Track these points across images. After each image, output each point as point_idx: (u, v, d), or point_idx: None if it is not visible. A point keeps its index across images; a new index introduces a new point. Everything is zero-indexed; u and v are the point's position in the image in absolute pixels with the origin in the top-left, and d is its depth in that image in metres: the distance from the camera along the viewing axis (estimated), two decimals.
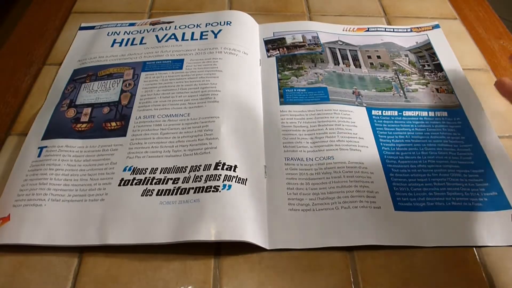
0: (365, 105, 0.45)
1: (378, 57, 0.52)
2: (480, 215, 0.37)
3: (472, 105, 0.46)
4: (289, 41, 0.53)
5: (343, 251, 0.35)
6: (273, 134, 0.42)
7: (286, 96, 0.46)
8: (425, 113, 0.45)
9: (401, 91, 0.47)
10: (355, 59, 0.51)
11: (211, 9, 0.57)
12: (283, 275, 0.33)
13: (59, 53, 0.52)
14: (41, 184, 0.37)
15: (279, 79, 0.48)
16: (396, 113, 0.45)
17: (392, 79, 0.49)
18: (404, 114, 0.45)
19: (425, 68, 0.50)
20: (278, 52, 0.51)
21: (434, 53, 0.52)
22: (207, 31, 0.52)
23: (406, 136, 0.43)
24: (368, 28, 0.55)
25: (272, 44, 0.52)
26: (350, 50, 0.52)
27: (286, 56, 0.51)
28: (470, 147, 0.42)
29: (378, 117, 0.44)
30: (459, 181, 0.39)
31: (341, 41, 0.53)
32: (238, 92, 0.45)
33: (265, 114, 0.44)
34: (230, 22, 0.53)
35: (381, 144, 0.42)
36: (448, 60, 0.51)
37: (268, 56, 0.51)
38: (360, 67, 0.50)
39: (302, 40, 0.53)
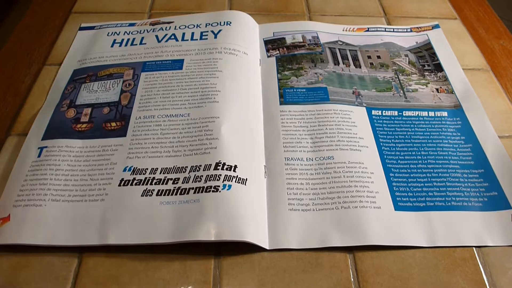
0: (365, 105, 0.45)
1: (378, 57, 0.52)
2: (480, 215, 0.37)
3: (472, 105, 0.46)
4: (289, 41, 0.53)
5: (343, 251, 0.35)
6: (273, 134, 0.42)
7: (286, 96, 0.46)
8: (425, 113, 0.45)
9: (401, 91, 0.47)
10: (355, 59, 0.51)
11: (211, 9, 0.57)
12: (283, 275, 0.33)
13: (59, 53, 0.52)
14: (41, 185, 0.37)
15: (279, 79, 0.48)
16: (396, 113, 0.45)
17: (392, 79, 0.49)
18: (404, 114, 0.45)
19: (425, 68, 0.50)
20: (278, 52, 0.51)
21: (434, 53, 0.52)
22: (207, 31, 0.52)
23: (406, 136, 0.42)
24: (368, 28, 0.55)
25: (272, 44, 0.52)
26: (350, 50, 0.52)
27: (286, 56, 0.51)
28: (470, 147, 0.42)
29: (378, 117, 0.44)
30: (459, 181, 0.39)
31: (341, 41, 0.53)
32: (238, 92, 0.45)
33: (265, 114, 0.44)
34: (230, 22, 0.53)
35: (381, 144, 0.42)
36: (448, 60, 0.51)
37: (268, 56, 0.51)
38: (360, 67, 0.50)
39: (302, 40, 0.53)
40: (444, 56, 0.51)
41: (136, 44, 0.51)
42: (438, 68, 0.50)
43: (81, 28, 0.55)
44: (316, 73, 0.49)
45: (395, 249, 0.35)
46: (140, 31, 0.53)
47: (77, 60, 0.50)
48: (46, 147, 0.40)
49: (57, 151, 0.40)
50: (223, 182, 0.36)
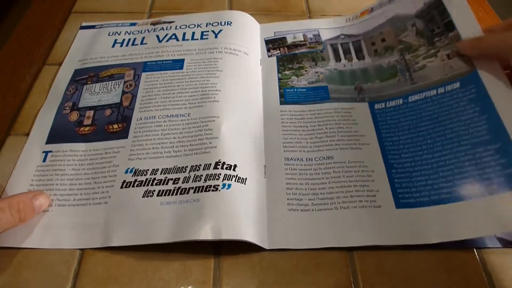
0: (367, 99, 0.44)
1: (383, 40, 0.49)
2: (496, 198, 0.33)
3: (488, 65, 0.40)
4: (290, 40, 0.52)
5: (343, 251, 0.35)
6: (273, 134, 0.42)
7: (287, 96, 0.46)
8: (433, 92, 0.41)
9: (407, 74, 0.44)
10: (358, 50, 0.50)
11: (211, 9, 0.57)
12: (283, 275, 0.33)
13: (59, 53, 0.51)
14: (48, 190, 0.38)
15: (279, 79, 0.48)
16: (400, 101, 0.43)
17: (397, 61, 0.46)
18: (409, 100, 0.42)
19: (434, 33, 0.45)
20: (278, 51, 0.51)
21: (445, 9, 0.45)
22: (208, 31, 0.52)
23: (411, 126, 0.40)
24: (372, 9, 0.52)
25: (273, 44, 0.52)
26: (352, 42, 0.51)
27: (287, 55, 0.51)
28: (485, 118, 0.37)
29: (381, 111, 0.43)
30: (470, 164, 0.36)
31: (343, 34, 0.52)
32: (238, 91, 0.45)
33: (265, 113, 0.44)
34: (231, 22, 0.53)
35: (384, 139, 0.41)
36: (461, 12, 0.44)
37: (269, 56, 0.51)
38: (364, 58, 0.49)
39: (303, 39, 0.52)
40: (456, 10, 0.44)
41: (137, 44, 0.51)
42: (450, 27, 0.44)
43: (82, 27, 0.55)
44: (317, 72, 0.48)
45: (396, 249, 0.35)
46: (141, 31, 0.53)
47: (78, 60, 0.50)
48: (51, 151, 0.40)
49: (62, 155, 0.40)
50: (222, 181, 0.36)
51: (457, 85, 0.40)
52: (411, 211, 0.36)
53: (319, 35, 0.53)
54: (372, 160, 0.40)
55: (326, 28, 0.53)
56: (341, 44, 0.51)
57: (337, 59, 0.50)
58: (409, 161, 0.39)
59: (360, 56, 0.49)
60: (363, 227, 0.35)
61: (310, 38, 0.52)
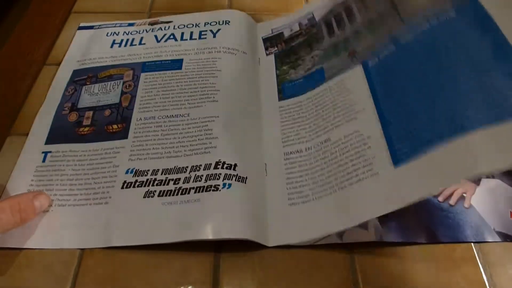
0: (360, 60, 0.42)
1: None
2: (506, 126, 0.28)
3: None
4: (286, 34, 0.52)
5: (343, 251, 0.35)
6: (272, 131, 0.42)
7: (285, 90, 0.46)
8: (425, 26, 0.37)
9: (396, 15, 0.41)
10: (350, 14, 0.47)
11: (212, 9, 0.57)
12: (284, 275, 0.33)
13: (59, 53, 0.51)
14: (48, 190, 0.38)
15: (277, 75, 0.47)
16: (393, 47, 0.39)
17: (385, 7, 0.42)
18: (401, 42, 0.39)
19: None
20: (276, 48, 0.51)
21: None
22: (206, 31, 0.52)
23: (407, 70, 0.37)
24: None
25: (270, 41, 0.52)
26: (344, 8, 0.48)
27: (284, 51, 0.50)
28: (488, 42, 0.33)
29: (375, 67, 0.40)
30: (475, 93, 0.31)
31: (335, 4, 0.49)
32: (237, 91, 0.45)
33: (264, 112, 0.44)
34: (229, 21, 0.53)
35: (379, 97, 0.38)
36: None
37: (267, 54, 0.51)
38: (355, 20, 0.46)
39: (298, 29, 0.51)
40: None
41: (136, 45, 0.51)
42: None
43: (80, 28, 0.55)
44: (312, 57, 0.47)
45: (395, 248, 0.35)
46: (139, 31, 0.53)
47: (76, 60, 0.50)
48: (50, 152, 0.40)
49: (62, 156, 0.40)
50: (223, 181, 0.36)
51: (452, 14, 0.35)
52: (412, 165, 0.32)
53: (313, 17, 0.51)
54: (367, 125, 0.37)
55: (319, 5, 0.51)
56: (334, 17, 0.49)
57: (331, 33, 0.48)
58: (405, 109, 0.35)
59: (352, 19, 0.46)
60: (362, 203, 0.33)
61: (305, 24, 0.51)
